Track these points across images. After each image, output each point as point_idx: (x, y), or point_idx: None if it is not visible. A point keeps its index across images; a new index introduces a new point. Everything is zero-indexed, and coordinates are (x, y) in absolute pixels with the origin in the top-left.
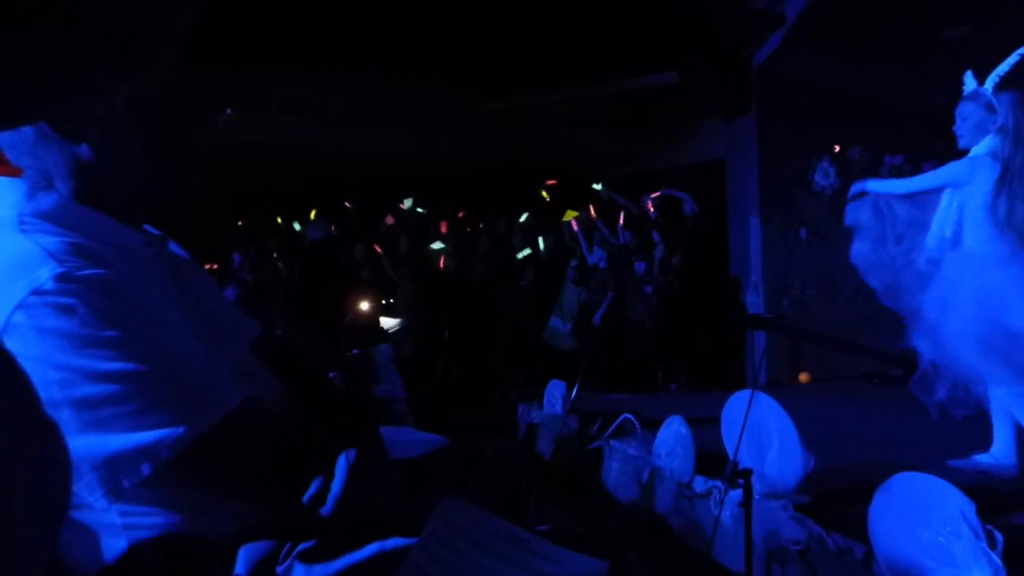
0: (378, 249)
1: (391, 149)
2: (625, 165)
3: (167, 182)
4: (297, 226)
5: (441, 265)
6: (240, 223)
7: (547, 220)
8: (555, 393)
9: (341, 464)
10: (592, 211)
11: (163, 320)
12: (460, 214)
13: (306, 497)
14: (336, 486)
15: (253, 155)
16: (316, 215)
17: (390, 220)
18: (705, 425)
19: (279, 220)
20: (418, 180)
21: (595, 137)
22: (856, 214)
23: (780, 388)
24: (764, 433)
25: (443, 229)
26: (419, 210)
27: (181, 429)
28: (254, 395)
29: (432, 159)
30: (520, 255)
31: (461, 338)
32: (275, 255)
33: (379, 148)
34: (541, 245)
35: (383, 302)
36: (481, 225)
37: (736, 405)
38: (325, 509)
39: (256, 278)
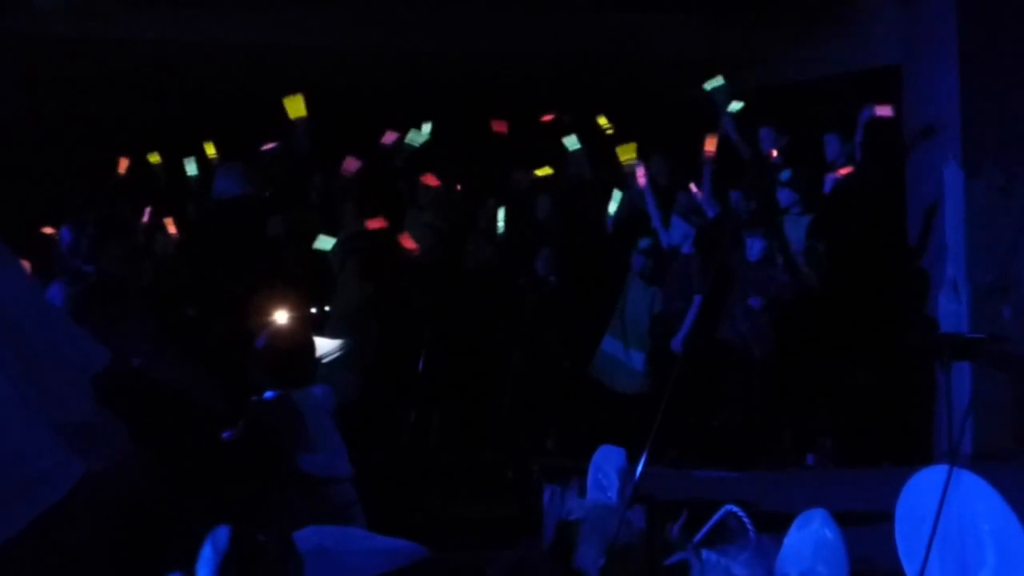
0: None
1: (341, 49)
2: (731, 76)
3: None
4: (191, 170)
5: (412, 246)
6: (75, 174)
7: (601, 171)
8: (607, 468)
9: (206, 556)
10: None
11: None
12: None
13: None
14: None
15: (105, 62)
16: (216, 160)
17: (351, 166)
18: (866, 524)
19: (151, 163)
20: (386, 104)
21: (683, 29)
22: None
23: (999, 462)
24: (971, 539)
25: (428, 183)
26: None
27: None
28: (93, 462)
29: (410, 66)
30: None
31: (448, 372)
32: (134, 229)
33: (322, 47)
34: (615, 207)
35: (316, 310)
36: (485, 179)
37: (921, 491)
38: None
39: (101, 270)
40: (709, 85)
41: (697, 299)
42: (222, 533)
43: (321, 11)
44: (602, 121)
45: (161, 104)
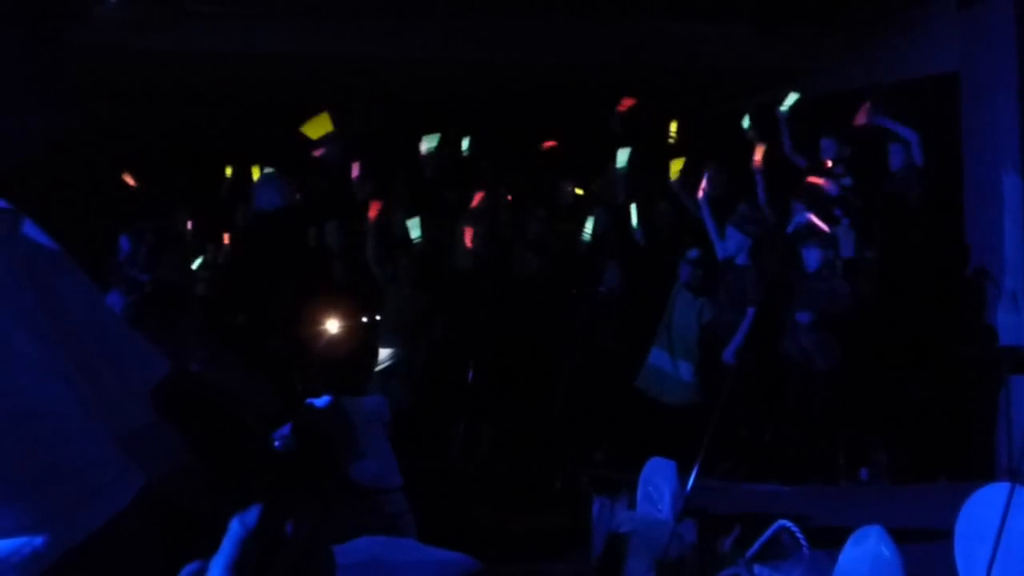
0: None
1: (388, 60)
2: (782, 85)
3: (21, 119)
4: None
5: (465, 256)
6: (137, 187)
7: (650, 178)
8: (657, 481)
9: (234, 531)
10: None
11: (10, 352)
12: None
13: None
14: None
15: (161, 73)
16: (263, 172)
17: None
18: (924, 542)
19: (206, 179)
20: (431, 114)
21: (736, 38)
22: None
23: None
24: None
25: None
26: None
27: (39, 540)
28: (152, 472)
29: (452, 78)
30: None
31: (498, 383)
32: (191, 240)
33: (368, 58)
34: (636, 222)
35: (368, 319)
36: (533, 190)
37: (981, 509)
38: None
39: (158, 279)
40: (786, 104)
41: (751, 311)
42: (252, 512)
43: (373, 22)
44: (672, 128)
45: (215, 114)
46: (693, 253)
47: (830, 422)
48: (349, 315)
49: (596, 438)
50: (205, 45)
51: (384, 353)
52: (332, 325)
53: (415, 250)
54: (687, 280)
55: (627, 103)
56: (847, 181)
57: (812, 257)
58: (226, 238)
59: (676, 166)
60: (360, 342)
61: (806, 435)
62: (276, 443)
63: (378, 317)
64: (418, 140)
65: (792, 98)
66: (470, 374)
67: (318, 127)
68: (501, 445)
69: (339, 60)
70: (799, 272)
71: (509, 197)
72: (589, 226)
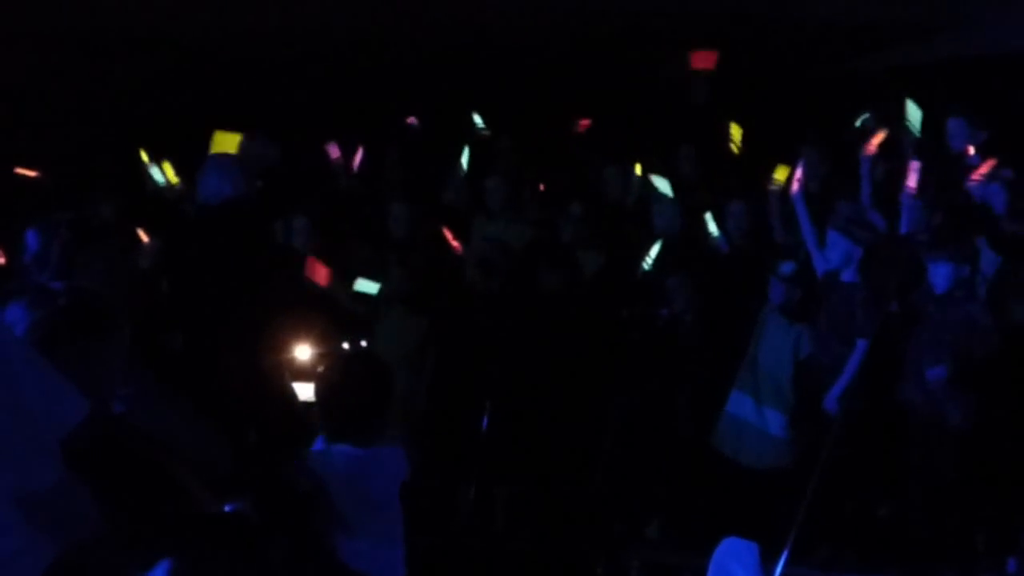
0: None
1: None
2: (902, 44)
3: None
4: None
5: (477, 266)
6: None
7: (729, 174)
8: (733, 568)
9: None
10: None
11: None
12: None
13: None
14: None
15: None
16: (211, 154)
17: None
18: None
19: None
20: (432, 76)
21: None
22: None
23: None
24: None
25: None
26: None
27: None
28: (63, 543)
29: (454, 24)
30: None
31: (521, 432)
32: (119, 236)
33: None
34: (714, 228)
35: (350, 344)
36: (568, 179)
37: None
38: None
39: (74, 287)
40: (912, 118)
41: (861, 344)
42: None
43: None
44: (735, 134)
45: (158, 70)
46: (787, 267)
47: (966, 495)
48: (323, 338)
49: (650, 509)
50: None
51: None
52: (302, 351)
53: (412, 258)
54: (780, 302)
55: (705, 59)
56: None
57: (941, 275)
58: (144, 235)
59: (781, 174)
60: (363, 373)
61: (934, 512)
62: (226, 509)
63: (364, 343)
64: (414, 109)
65: (916, 115)
66: (484, 420)
67: (225, 143)
68: (522, 515)
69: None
70: (923, 294)
71: (542, 187)
72: (653, 250)
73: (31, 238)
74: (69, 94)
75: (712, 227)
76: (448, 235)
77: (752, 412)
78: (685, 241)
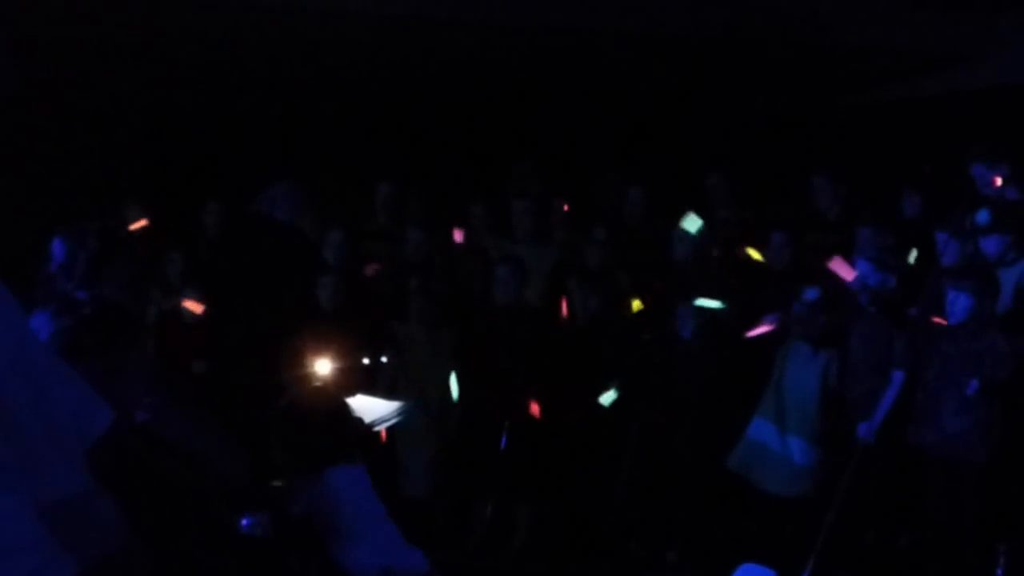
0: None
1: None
2: (939, 75)
3: None
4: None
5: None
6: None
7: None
8: None
9: None
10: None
11: None
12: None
13: None
14: None
15: (112, 26)
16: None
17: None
18: None
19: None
20: (451, 92)
21: (876, 5)
22: None
23: None
24: None
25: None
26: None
27: None
28: (86, 556)
29: (478, 42)
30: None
31: (539, 452)
32: (147, 247)
33: (380, 15)
34: (756, 254)
35: (369, 360)
36: (591, 200)
37: None
38: None
39: (100, 297)
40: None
41: (898, 375)
42: None
43: None
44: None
45: (186, 82)
46: (811, 293)
47: (987, 526)
48: (343, 354)
49: (669, 534)
50: None
51: (389, 407)
52: (323, 366)
53: (434, 279)
54: (805, 329)
55: None
56: (1011, 193)
57: (959, 305)
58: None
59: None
60: (339, 393)
61: (954, 543)
62: (244, 523)
63: (383, 359)
64: (435, 128)
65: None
66: (503, 439)
67: None
68: (540, 534)
69: (350, 17)
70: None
71: (566, 207)
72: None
73: (57, 247)
74: (96, 102)
75: (754, 253)
76: (475, 259)
77: (775, 439)
78: (707, 267)
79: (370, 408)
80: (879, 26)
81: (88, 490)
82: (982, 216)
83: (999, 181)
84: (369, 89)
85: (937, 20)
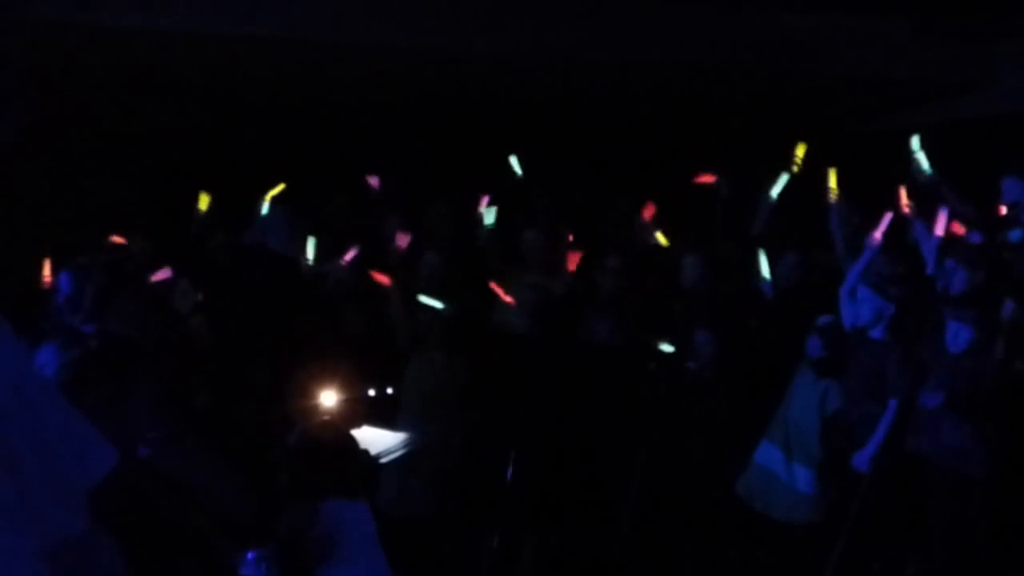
0: (384, 280)
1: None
2: (941, 100)
3: None
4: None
5: (510, 301)
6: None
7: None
8: None
9: None
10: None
11: None
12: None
13: None
14: None
15: (123, 58)
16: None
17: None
18: None
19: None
20: (471, 121)
21: (883, 38)
22: None
23: None
24: None
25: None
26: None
27: None
28: None
29: (497, 78)
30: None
31: (546, 482)
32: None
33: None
34: (766, 271)
35: (375, 391)
36: (604, 230)
37: None
38: None
39: (106, 331)
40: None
41: (893, 403)
42: None
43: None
44: (799, 152)
45: (193, 114)
46: (824, 319)
47: (994, 553)
48: (350, 386)
49: (678, 562)
50: (182, 24)
51: (395, 439)
52: (328, 398)
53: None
54: (814, 353)
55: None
56: (1016, 235)
57: (961, 336)
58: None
59: (832, 180)
60: (345, 428)
61: (961, 570)
62: (249, 558)
63: (389, 390)
64: (453, 152)
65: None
66: (509, 470)
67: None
68: (547, 565)
69: (363, 48)
70: (936, 350)
71: (573, 237)
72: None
73: (64, 280)
74: (109, 132)
75: (764, 271)
76: (494, 286)
77: (781, 466)
78: (714, 294)
79: (376, 440)
80: (879, 55)
81: (89, 531)
82: (1015, 235)
83: (1004, 210)
84: (383, 119)
85: (936, 50)
